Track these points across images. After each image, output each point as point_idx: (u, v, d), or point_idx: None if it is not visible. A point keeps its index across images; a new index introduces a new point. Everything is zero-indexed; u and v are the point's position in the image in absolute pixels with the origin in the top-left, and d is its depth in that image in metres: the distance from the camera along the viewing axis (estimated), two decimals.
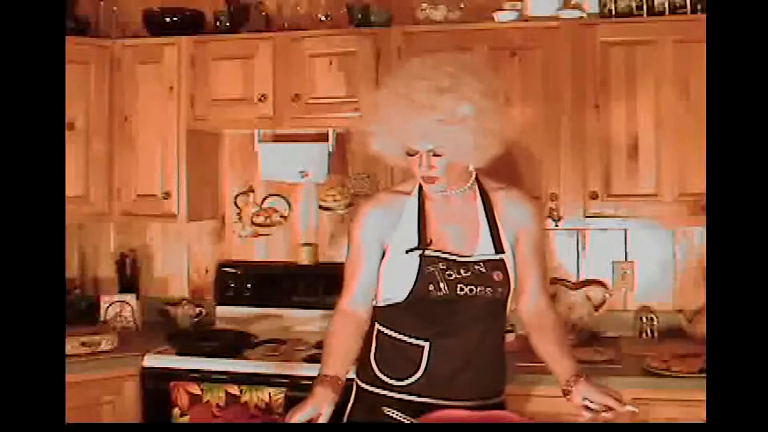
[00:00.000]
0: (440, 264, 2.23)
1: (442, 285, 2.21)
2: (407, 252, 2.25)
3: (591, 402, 2.15)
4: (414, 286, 2.22)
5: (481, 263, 2.25)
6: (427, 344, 2.24)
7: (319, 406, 2.10)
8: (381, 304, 2.32)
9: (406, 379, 2.25)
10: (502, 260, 2.27)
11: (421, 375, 2.23)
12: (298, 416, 2.07)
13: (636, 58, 3.07)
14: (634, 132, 3.08)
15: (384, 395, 2.27)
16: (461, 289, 2.22)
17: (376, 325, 2.34)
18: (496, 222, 2.30)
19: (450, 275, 2.22)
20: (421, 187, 2.32)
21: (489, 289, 2.24)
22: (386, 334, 2.31)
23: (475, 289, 2.23)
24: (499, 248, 2.28)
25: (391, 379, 2.27)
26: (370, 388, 2.31)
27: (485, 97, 2.17)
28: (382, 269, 2.30)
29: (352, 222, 2.40)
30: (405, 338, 2.27)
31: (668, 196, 3.06)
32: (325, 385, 2.15)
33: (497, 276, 2.25)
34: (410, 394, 2.24)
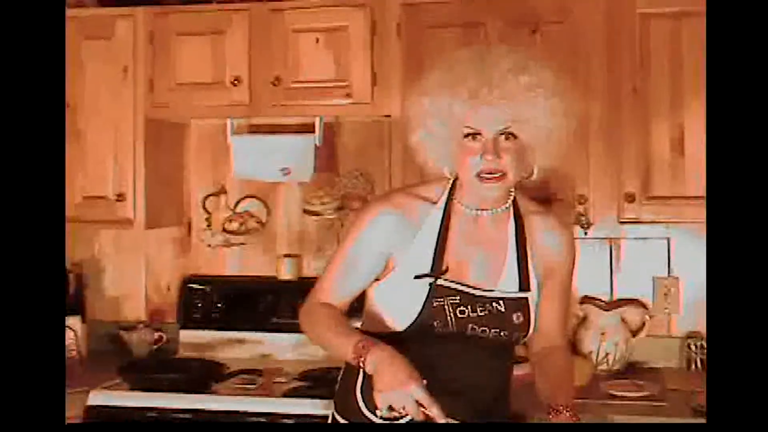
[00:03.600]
0: (453, 297, 2.15)
1: (450, 322, 2.14)
2: (416, 277, 2.15)
3: None
4: (417, 318, 2.14)
5: (500, 301, 2.18)
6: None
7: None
8: (369, 329, 2.24)
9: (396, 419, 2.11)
10: (525, 299, 2.20)
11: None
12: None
13: (682, 33, 3.00)
14: (680, 122, 3.00)
15: None
16: (472, 329, 2.15)
17: None
18: (526, 253, 2.22)
19: (462, 312, 2.15)
20: (449, 197, 2.21)
21: (504, 332, 2.17)
22: None
23: (488, 331, 2.16)
24: (525, 285, 2.20)
25: (378, 417, 2.12)
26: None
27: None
28: (381, 288, 2.23)
29: (353, 222, 2.29)
30: None
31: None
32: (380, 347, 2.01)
33: (517, 318, 2.18)
34: None
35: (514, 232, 2.23)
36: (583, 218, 3.05)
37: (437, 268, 2.15)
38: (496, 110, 2.04)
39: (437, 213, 2.20)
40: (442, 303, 2.14)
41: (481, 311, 2.15)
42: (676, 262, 3.33)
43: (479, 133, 2.06)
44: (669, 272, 3.34)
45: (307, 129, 3.40)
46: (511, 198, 2.23)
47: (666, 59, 3.01)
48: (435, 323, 2.13)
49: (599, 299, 3.34)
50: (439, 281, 2.15)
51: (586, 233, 3.07)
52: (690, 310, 3.30)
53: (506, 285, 2.19)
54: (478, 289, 2.17)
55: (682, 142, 3.00)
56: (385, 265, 2.22)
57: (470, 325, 2.14)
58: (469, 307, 2.15)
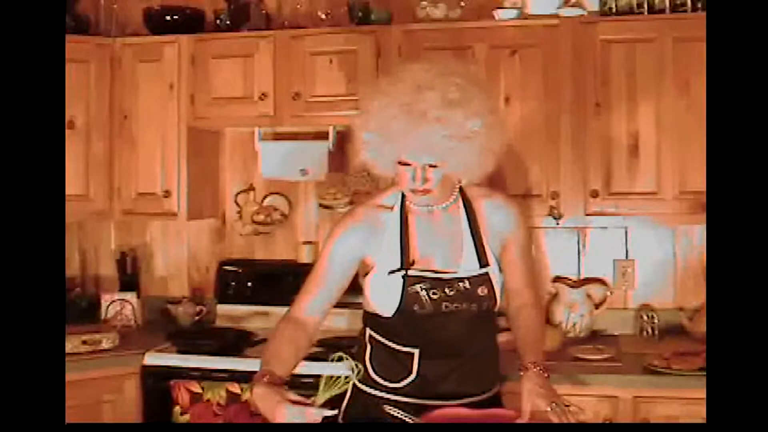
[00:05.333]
0: (424, 284, 2.20)
1: (426, 304, 2.19)
2: (390, 273, 2.21)
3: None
4: (399, 306, 2.20)
5: (465, 280, 2.22)
6: (416, 351, 2.24)
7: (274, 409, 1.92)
8: (370, 311, 2.31)
9: (400, 381, 2.25)
10: (486, 274, 2.24)
11: (414, 378, 2.24)
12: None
13: (636, 56, 3.07)
14: (635, 130, 3.08)
15: (380, 396, 2.27)
16: (446, 307, 2.21)
17: (368, 330, 2.34)
18: (481, 234, 2.26)
19: (435, 294, 2.20)
20: (402, 202, 2.26)
21: (474, 304, 2.22)
22: (377, 340, 2.31)
23: (460, 305, 2.21)
24: (483, 262, 2.24)
25: (386, 381, 2.27)
26: (366, 389, 2.30)
27: (492, 113, 2.13)
28: (368, 284, 2.26)
29: (328, 235, 2.31)
30: (395, 346, 2.27)
31: (669, 194, 3.06)
32: (271, 385, 1.99)
33: (482, 291, 2.23)
34: (405, 395, 2.24)
35: (466, 218, 2.27)
36: (555, 211, 3.14)
37: (405, 262, 2.20)
38: (421, 151, 2.09)
39: (395, 217, 2.25)
40: (417, 290, 2.19)
41: (450, 291, 2.20)
42: (632, 247, 3.40)
43: (409, 164, 2.12)
44: (627, 255, 3.40)
45: (322, 136, 3.46)
46: (457, 190, 2.27)
47: (623, 78, 3.08)
48: (415, 307, 2.19)
49: (568, 279, 3.43)
50: (410, 272, 2.20)
51: (557, 223, 3.15)
52: (643, 287, 3.39)
53: (467, 265, 2.23)
54: (444, 273, 2.21)
55: (637, 147, 3.08)
56: (363, 264, 2.25)
57: (444, 304, 2.20)
58: (439, 289, 2.20)
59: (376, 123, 2.13)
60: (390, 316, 2.22)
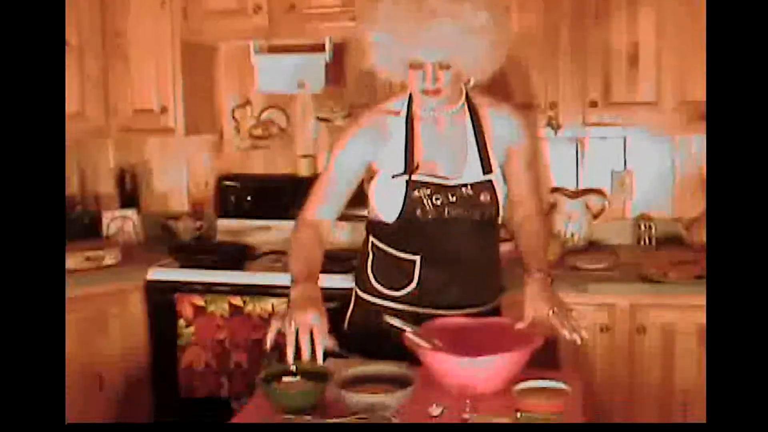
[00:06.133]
0: (427, 189, 2.21)
1: (428, 209, 2.21)
2: (393, 177, 2.22)
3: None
4: (402, 210, 2.21)
5: (468, 186, 2.23)
6: (418, 258, 2.26)
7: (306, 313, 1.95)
8: (373, 218, 2.33)
9: (401, 289, 2.28)
10: (489, 181, 2.24)
11: (415, 287, 2.27)
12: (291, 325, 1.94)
13: None
14: (635, 39, 3.04)
15: (381, 305, 2.29)
16: (448, 213, 2.22)
17: (370, 238, 2.36)
18: (485, 142, 2.26)
19: (437, 199, 2.21)
20: (409, 107, 2.26)
21: (476, 211, 2.23)
22: (379, 247, 2.33)
23: (462, 212, 2.22)
24: (487, 169, 2.24)
25: (387, 289, 2.30)
26: (368, 297, 2.34)
27: (497, 7, 2.15)
28: (372, 189, 2.28)
29: (335, 140, 2.34)
30: (398, 253, 2.28)
31: (668, 103, 3.04)
32: (305, 286, 2.05)
33: (484, 197, 2.23)
34: (405, 303, 2.27)
35: (471, 125, 2.27)
36: (553, 121, 3.12)
37: (409, 167, 2.21)
38: (434, 48, 2.09)
39: (401, 122, 2.26)
40: (419, 195, 2.20)
41: (452, 197, 2.21)
42: (630, 157, 3.39)
43: (421, 64, 2.12)
44: (625, 166, 3.40)
45: (319, 48, 3.41)
46: (463, 97, 2.28)
47: None
48: (417, 211, 2.20)
49: (566, 189, 3.43)
50: (414, 177, 2.21)
51: (556, 134, 3.14)
52: (641, 198, 3.39)
53: (471, 171, 2.24)
54: (448, 179, 2.22)
55: (637, 57, 3.04)
56: (369, 169, 2.27)
57: (446, 209, 2.21)
58: (442, 194, 2.20)
59: (385, 23, 2.12)
60: (392, 221, 2.24)
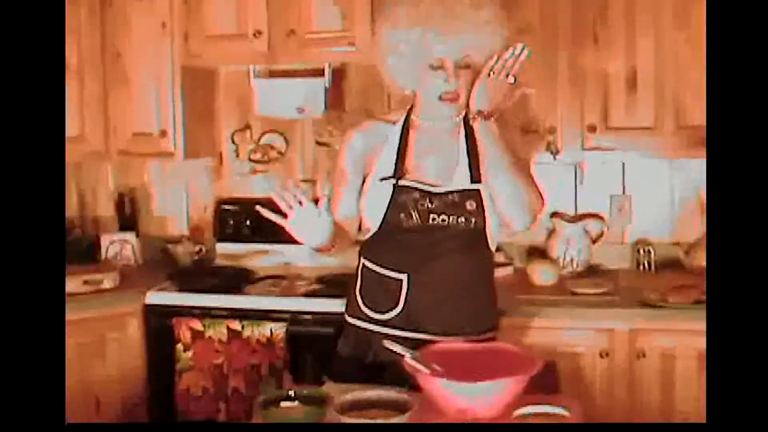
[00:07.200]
0: (413, 194, 2.22)
1: (413, 214, 2.21)
2: (381, 180, 2.24)
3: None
4: (386, 214, 2.22)
5: (454, 193, 2.23)
6: (405, 277, 2.24)
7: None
8: (364, 236, 2.33)
9: (387, 312, 2.27)
10: (477, 191, 2.22)
11: (401, 309, 2.25)
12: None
13: None
14: (633, 63, 3.05)
15: (370, 330, 2.29)
16: (433, 219, 2.21)
17: (361, 260, 2.36)
18: (477, 152, 2.23)
19: (422, 205, 2.21)
20: (407, 117, 2.31)
21: (462, 218, 2.21)
22: (369, 268, 2.32)
23: (447, 219, 2.21)
24: (475, 178, 2.23)
25: (374, 312, 2.29)
26: (357, 323, 2.33)
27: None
28: (363, 197, 2.30)
29: (339, 151, 2.41)
30: (385, 271, 2.28)
31: (667, 128, 3.05)
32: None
33: (470, 205, 2.21)
34: (392, 327, 2.26)
35: (464, 137, 2.27)
36: (552, 146, 3.13)
37: (397, 172, 2.25)
38: (457, 41, 2.14)
39: (397, 129, 2.31)
40: (405, 199, 2.22)
41: (438, 203, 2.21)
42: (629, 182, 3.39)
43: (442, 63, 2.16)
44: (623, 191, 3.40)
45: (318, 73, 3.42)
46: (463, 113, 2.28)
47: (621, 11, 3.04)
48: (401, 216, 2.21)
49: (566, 213, 3.42)
50: (401, 182, 2.23)
51: (554, 158, 3.14)
52: (640, 222, 3.39)
53: (459, 180, 2.24)
54: (435, 186, 2.23)
55: (635, 81, 3.05)
56: (368, 165, 2.31)
57: (431, 215, 2.20)
58: (428, 200, 2.21)
59: (408, 18, 2.17)
60: (377, 227, 2.25)
